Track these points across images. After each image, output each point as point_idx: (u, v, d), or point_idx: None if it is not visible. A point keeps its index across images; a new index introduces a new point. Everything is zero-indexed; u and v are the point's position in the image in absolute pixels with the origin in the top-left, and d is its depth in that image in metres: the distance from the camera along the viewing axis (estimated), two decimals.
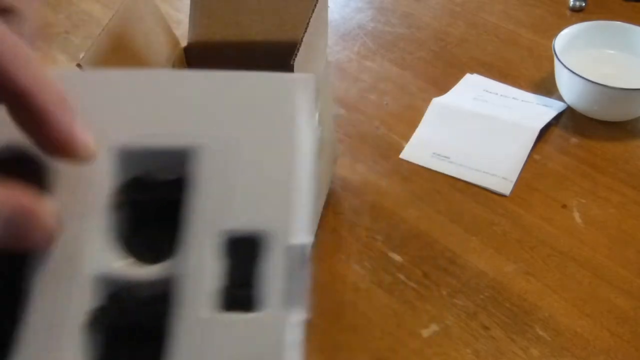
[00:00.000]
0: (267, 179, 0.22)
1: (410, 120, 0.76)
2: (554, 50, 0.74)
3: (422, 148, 0.72)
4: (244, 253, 0.21)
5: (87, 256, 0.21)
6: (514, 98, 0.77)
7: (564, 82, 0.74)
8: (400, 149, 0.72)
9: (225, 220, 0.21)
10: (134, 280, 0.21)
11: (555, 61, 0.74)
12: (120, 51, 0.53)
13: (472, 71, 0.82)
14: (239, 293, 0.21)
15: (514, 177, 0.68)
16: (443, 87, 0.80)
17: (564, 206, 0.65)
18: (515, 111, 0.75)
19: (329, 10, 0.56)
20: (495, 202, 0.66)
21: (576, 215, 0.64)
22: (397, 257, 0.61)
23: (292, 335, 0.21)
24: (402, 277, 0.59)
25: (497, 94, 0.78)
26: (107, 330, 0.21)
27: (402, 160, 0.71)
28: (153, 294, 0.21)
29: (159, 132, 0.22)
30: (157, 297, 0.21)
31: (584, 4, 0.92)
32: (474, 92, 0.79)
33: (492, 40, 0.88)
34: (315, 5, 0.52)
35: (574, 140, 0.72)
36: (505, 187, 0.67)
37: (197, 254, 0.21)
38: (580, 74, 0.70)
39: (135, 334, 0.21)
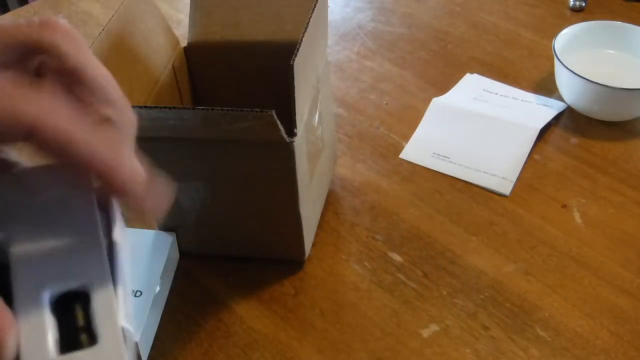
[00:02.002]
0: (77, 247, 0.26)
1: (410, 120, 0.76)
2: (554, 50, 0.74)
3: (422, 148, 0.72)
4: (71, 306, 0.25)
5: None
6: (514, 98, 0.77)
7: (564, 82, 0.74)
8: (400, 149, 0.72)
9: (47, 283, 0.25)
10: None
11: (555, 61, 0.74)
12: (120, 51, 0.53)
13: (472, 71, 0.82)
14: (73, 338, 0.24)
15: (514, 177, 0.68)
16: (443, 87, 0.80)
17: (564, 206, 0.65)
18: (515, 111, 0.75)
19: (329, 10, 0.56)
20: (495, 202, 0.66)
21: (576, 215, 0.64)
22: (397, 257, 0.61)
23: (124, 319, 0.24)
24: (402, 277, 0.59)
25: (497, 94, 0.78)
26: None
27: (402, 160, 0.71)
28: None
29: None
30: None
31: (584, 4, 0.92)
32: (474, 92, 0.79)
33: (492, 40, 0.88)
34: (315, 5, 0.52)
35: (574, 140, 0.72)
36: (505, 187, 0.67)
37: (28, 314, 0.24)
38: (580, 74, 0.70)
39: None
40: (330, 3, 0.96)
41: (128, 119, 0.27)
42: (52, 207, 0.27)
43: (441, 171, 0.69)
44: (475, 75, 0.82)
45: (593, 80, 0.70)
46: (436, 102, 0.77)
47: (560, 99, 0.76)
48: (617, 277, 0.58)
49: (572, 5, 0.92)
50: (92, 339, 0.24)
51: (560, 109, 0.75)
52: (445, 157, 0.70)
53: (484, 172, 0.68)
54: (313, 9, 0.51)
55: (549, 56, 0.77)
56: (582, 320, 0.55)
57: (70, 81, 0.25)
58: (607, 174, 0.68)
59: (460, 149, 0.71)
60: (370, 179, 0.69)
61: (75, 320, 0.25)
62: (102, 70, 0.27)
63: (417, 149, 0.72)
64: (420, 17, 0.94)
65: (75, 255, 0.26)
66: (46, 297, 0.25)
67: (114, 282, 0.26)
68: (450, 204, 0.66)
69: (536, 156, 0.70)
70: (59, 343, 0.24)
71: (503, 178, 0.68)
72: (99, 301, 0.25)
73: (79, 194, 0.28)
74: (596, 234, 0.62)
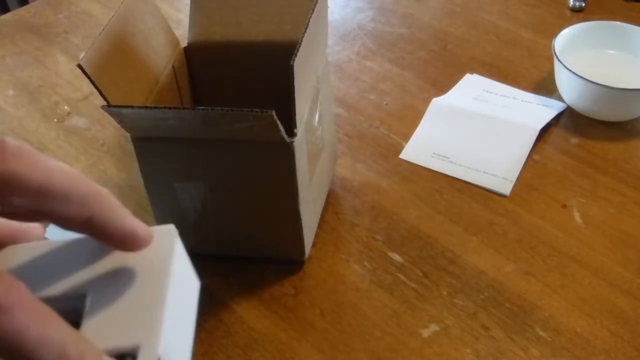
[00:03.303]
0: (137, 311, 0.27)
1: (410, 120, 0.76)
2: (554, 50, 0.74)
3: (422, 148, 0.72)
4: None
5: None
6: (514, 98, 0.77)
7: (564, 82, 0.74)
8: (400, 149, 0.72)
9: (107, 338, 0.26)
10: None
11: (555, 61, 0.74)
12: (120, 51, 0.53)
13: (472, 71, 0.82)
14: None
15: (514, 177, 0.68)
16: (443, 87, 0.80)
17: (564, 206, 0.65)
18: (515, 111, 0.75)
19: (329, 10, 0.56)
20: (495, 202, 0.66)
21: (576, 215, 0.64)
22: (397, 257, 0.61)
23: None
24: (402, 277, 0.59)
25: (497, 94, 0.78)
26: None
27: (402, 160, 0.71)
28: None
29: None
30: None
31: (584, 4, 0.92)
32: (474, 92, 0.79)
33: (492, 40, 0.88)
34: (315, 6, 0.52)
35: (574, 140, 0.72)
36: (505, 187, 0.67)
37: None
38: (580, 74, 0.70)
39: None
40: (330, 3, 0.96)
41: (106, 207, 0.27)
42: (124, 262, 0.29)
43: (441, 171, 0.69)
44: (475, 76, 0.82)
45: (593, 80, 0.70)
46: (436, 102, 0.77)
47: (560, 99, 0.76)
48: (617, 277, 0.58)
49: (572, 5, 0.92)
50: None
51: (560, 109, 0.75)
52: (445, 157, 0.70)
53: (484, 172, 0.68)
54: (313, 9, 0.51)
55: (549, 56, 0.77)
56: (582, 320, 0.55)
57: (38, 202, 0.25)
58: (607, 174, 0.68)
59: (460, 149, 0.71)
60: (370, 179, 0.69)
61: None
62: (66, 171, 0.26)
63: (417, 149, 0.72)
64: (420, 17, 0.94)
65: (136, 309, 0.27)
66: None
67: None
68: (450, 204, 0.66)
69: (536, 156, 0.70)
70: None
71: (503, 178, 0.68)
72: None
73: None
74: (596, 234, 0.62)
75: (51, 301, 0.27)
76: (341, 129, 0.75)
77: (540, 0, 0.95)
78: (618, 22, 0.79)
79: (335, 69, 0.84)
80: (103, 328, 0.27)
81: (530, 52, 0.85)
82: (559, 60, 0.73)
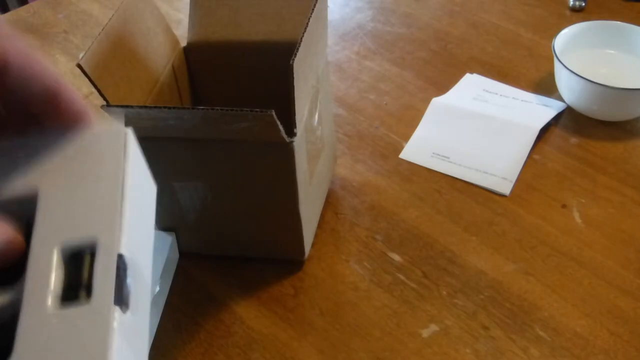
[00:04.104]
0: (92, 205, 0.27)
1: (410, 120, 0.76)
2: (554, 50, 0.74)
3: (421, 148, 0.72)
4: (76, 259, 0.26)
5: None
6: (513, 98, 0.77)
7: (564, 82, 0.74)
8: (400, 148, 0.72)
9: (59, 235, 0.26)
10: None
11: (555, 61, 0.74)
12: (120, 51, 0.53)
13: (471, 71, 0.82)
14: (74, 292, 0.25)
15: (513, 177, 0.68)
16: (443, 87, 0.80)
17: (564, 206, 0.65)
18: (515, 111, 0.75)
19: (329, 10, 0.56)
20: (495, 202, 0.66)
21: (576, 215, 0.64)
22: (397, 257, 0.61)
23: (121, 324, 0.25)
24: (402, 277, 0.59)
25: (496, 93, 0.78)
26: None
27: (401, 160, 0.71)
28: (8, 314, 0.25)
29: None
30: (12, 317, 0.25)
31: (584, 4, 0.92)
32: (474, 92, 0.79)
33: (492, 40, 0.88)
34: (314, 5, 0.52)
35: (573, 140, 0.72)
36: (505, 187, 0.67)
37: (37, 265, 0.25)
38: (580, 74, 0.70)
39: None
40: (330, 3, 0.96)
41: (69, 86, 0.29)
42: (76, 156, 0.29)
43: (441, 171, 0.69)
44: (475, 75, 0.82)
45: (593, 80, 0.70)
46: (436, 102, 0.77)
47: (560, 99, 0.76)
48: (617, 277, 0.58)
49: (572, 5, 0.92)
50: (83, 298, 0.25)
51: (560, 109, 0.75)
52: (445, 157, 0.70)
53: (484, 172, 0.68)
54: (312, 9, 0.51)
55: (549, 56, 0.77)
56: (582, 320, 0.55)
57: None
58: (607, 174, 0.68)
59: (460, 149, 0.71)
60: (370, 179, 0.69)
61: (80, 275, 0.25)
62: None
63: (417, 149, 0.72)
64: (420, 17, 0.94)
65: (91, 206, 0.27)
66: (56, 249, 0.26)
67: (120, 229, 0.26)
68: (450, 204, 0.66)
69: (536, 156, 0.70)
70: (62, 296, 0.25)
71: (503, 178, 0.68)
72: (100, 256, 0.26)
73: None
74: (596, 234, 0.62)
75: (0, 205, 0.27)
76: (341, 129, 0.75)
77: (540, 0, 0.95)
78: (618, 22, 0.79)
79: (335, 69, 0.84)
80: (57, 225, 0.26)
81: (530, 52, 0.85)
82: (559, 60, 0.73)
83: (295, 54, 0.47)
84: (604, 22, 0.80)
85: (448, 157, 0.70)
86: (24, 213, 0.27)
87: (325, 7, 0.57)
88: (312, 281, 0.60)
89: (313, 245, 0.62)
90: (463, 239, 0.62)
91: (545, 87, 0.79)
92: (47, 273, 0.25)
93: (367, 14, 0.95)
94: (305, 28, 0.50)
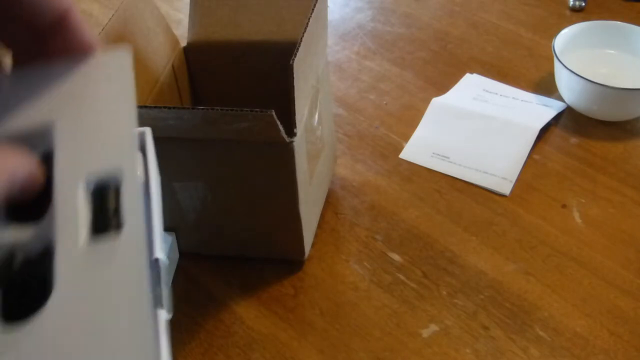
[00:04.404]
0: (108, 133, 0.27)
1: (410, 120, 0.76)
2: (554, 50, 0.74)
3: (421, 148, 0.72)
4: (102, 191, 0.26)
5: None
6: (513, 98, 0.77)
7: (564, 82, 0.74)
8: (400, 148, 0.72)
9: (83, 168, 0.26)
10: (19, 242, 0.25)
11: (555, 61, 0.74)
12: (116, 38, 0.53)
13: (471, 71, 0.82)
14: (103, 225, 0.25)
15: (513, 177, 0.68)
16: (443, 87, 0.80)
17: (564, 206, 0.65)
18: (515, 111, 0.75)
19: (329, 10, 0.56)
20: (495, 202, 0.66)
21: (576, 215, 0.64)
22: (396, 257, 0.61)
23: (160, 251, 0.25)
24: (402, 277, 0.59)
25: (496, 93, 0.78)
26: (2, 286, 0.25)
27: (401, 160, 0.71)
28: (39, 249, 0.25)
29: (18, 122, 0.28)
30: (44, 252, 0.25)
31: (584, 4, 0.92)
32: (474, 92, 0.79)
33: (492, 40, 0.88)
34: (314, 5, 0.52)
35: (573, 140, 0.72)
36: (505, 187, 0.67)
37: (64, 200, 0.25)
38: (580, 74, 0.70)
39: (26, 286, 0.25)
40: (330, 3, 0.96)
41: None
42: (87, 89, 0.28)
43: (441, 171, 0.69)
44: (475, 75, 0.82)
45: (593, 80, 0.70)
46: (436, 102, 0.77)
47: (560, 99, 0.76)
48: (617, 277, 0.58)
49: (572, 5, 0.92)
50: (115, 229, 0.25)
51: (560, 109, 0.75)
52: (445, 157, 0.70)
53: (484, 172, 0.68)
54: (312, 9, 0.51)
55: (549, 56, 0.77)
56: (582, 320, 0.55)
57: None
58: (607, 174, 0.68)
59: (460, 149, 0.71)
60: (370, 179, 0.69)
61: (107, 206, 0.26)
62: None
63: (417, 149, 0.72)
64: (420, 17, 0.94)
65: (110, 138, 0.27)
66: (82, 181, 0.26)
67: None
68: (450, 204, 0.66)
69: (536, 156, 0.70)
70: (93, 230, 0.25)
71: (503, 178, 0.68)
72: (126, 187, 0.26)
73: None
74: (596, 234, 0.62)
75: (15, 139, 0.26)
76: (341, 129, 0.75)
77: (540, 0, 0.95)
78: (618, 22, 0.79)
79: (335, 69, 0.84)
80: (78, 158, 0.26)
81: (530, 52, 0.85)
82: (559, 60, 0.73)
83: (295, 54, 0.47)
84: (604, 22, 0.80)
85: (448, 157, 0.70)
86: (40, 146, 0.27)
87: (325, 7, 0.57)
88: (312, 281, 0.60)
89: (313, 245, 0.62)
90: (463, 239, 0.62)
91: (545, 87, 0.79)
92: (74, 208, 0.25)
93: (367, 14, 0.95)
94: (305, 28, 0.50)
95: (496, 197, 0.66)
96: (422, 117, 0.76)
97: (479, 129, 0.73)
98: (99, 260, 0.24)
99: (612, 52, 0.79)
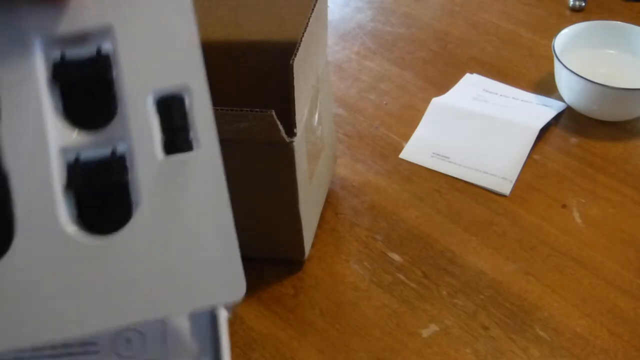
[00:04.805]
0: (172, 43, 0.27)
1: (410, 120, 0.76)
2: (554, 50, 0.74)
3: (421, 148, 0.72)
4: (173, 106, 0.26)
5: (49, 134, 0.25)
6: (513, 98, 0.77)
7: (564, 82, 0.74)
8: (400, 148, 0.72)
9: (151, 82, 0.26)
10: (88, 146, 0.26)
11: (555, 61, 0.74)
12: None
13: (471, 71, 0.82)
14: (177, 138, 0.26)
15: (513, 177, 0.68)
16: (443, 87, 0.80)
17: (564, 206, 0.65)
18: (515, 111, 0.75)
19: (329, 10, 0.56)
20: (495, 202, 0.66)
21: (576, 215, 0.64)
22: (396, 257, 0.61)
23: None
24: (401, 277, 0.59)
25: (496, 93, 0.78)
26: (80, 196, 0.25)
27: (401, 160, 0.71)
28: (106, 155, 0.26)
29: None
30: (112, 157, 0.25)
31: (584, 4, 0.92)
32: (474, 92, 0.79)
33: (492, 40, 0.88)
34: (314, 5, 0.52)
35: (573, 140, 0.72)
36: (505, 187, 0.67)
37: (136, 113, 0.25)
38: (580, 74, 0.70)
39: (105, 195, 0.26)
40: (330, 3, 0.96)
41: None
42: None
43: (441, 171, 0.69)
44: (475, 75, 0.82)
45: (593, 80, 0.70)
46: (436, 102, 0.77)
47: (560, 99, 0.76)
48: (617, 277, 0.58)
49: (572, 5, 0.92)
50: (189, 142, 0.25)
51: (560, 109, 0.75)
52: (445, 157, 0.70)
53: (484, 172, 0.68)
54: (312, 9, 0.51)
55: (549, 56, 0.77)
56: (582, 320, 0.55)
57: None
58: (607, 174, 0.68)
59: (460, 149, 0.71)
60: (370, 179, 0.69)
61: (175, 122, 0.26)
62: None
63: (417, 149, 0.72)
64: (420, 17, 0.94)
65: (173, 54, 0.27)
66: (150, 96, 0.26)
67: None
68: (450, 204, 0.66)
69: (536, 156, 0.70)
70: (166, 142, 0.25)
71: (503, 178, 0.68)
72: (197, 103, 0.26)
73: None
74: (596, 234, 0.62)
75: (71, 42, 0.26)
76: (341, 129, 0.75)
77: (540, 0, 0.95)
78: (618, 22, 0.79)
79: (335, 69, 0.84)
80: (144, 70, 0.26)
81: (530, 52, 0.85)
82: (559, 60, 0.73)
83: (295, 54, 0.47)
84: (604, 22, 0.80)
85: (448, 157, 0.70)
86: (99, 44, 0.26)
87: (325, 7, 0.57)
88: (312, 281, 0.60)
89: (313, 245, 0.62)
90: (463, 239, 0.62)
91: (545, 87, 0.79)
92: (146, 121, 0.25)
93: (367, 14, 0.95)
94: (305, 28, 0.50)
95: (496, 197, 0.66)
96: (422, 117, 0.76)
97: (479, 129, 0.73)
98: (179, 174, 0.25)
99: (612, 52, 0.79)
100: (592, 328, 0.54)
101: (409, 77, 0.83)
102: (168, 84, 0.26)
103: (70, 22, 0.26)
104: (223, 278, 0.25)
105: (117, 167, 0.25)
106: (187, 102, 0.26)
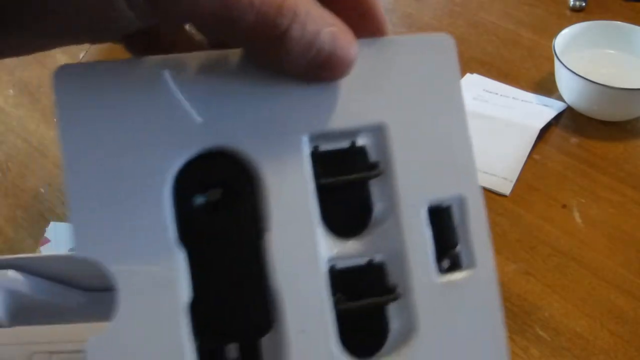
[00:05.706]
0: (448, 146, 0.24)
1: None
2: (554, 50, 0.74)
3: None
4: (444, 219, 0.23)
5: (318, 244, 0.22)
6: (514, 98, 0.77)
7: (564, 82, 0.74)
8: None
9: (427, 191, 0.23)
10: (350, 257, 0.23)
11: (555, 61, 0.74)
12: (120, 50, 0.53)
13: (472, 71, 0.82)
14: (451, 255, 0.23)
15: (514, 177, 0.68)
16: None
17: (564, 206, 0.65)
18: (515, 111, 0.75)
19: None
20: (495, 202, 0.66)
21: (576, 215, 0.64)
22: None
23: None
24: None
25: (497, 93, 0.78)
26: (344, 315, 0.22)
27: None
28: (373, 270, 0.23)
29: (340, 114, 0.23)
30: (378, 271, 0.23)
31: (584, 4, 0.92)
32: (474, 91, 0.79)
33: (492, 40, 0.88)
34: None
35: (574, 140, 0.72)
36: (505, 187, 0.67)
37: (409, 225, 0.23)
38: (580, 74, 0.70)
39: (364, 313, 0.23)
40: None
41: None
42: (414, 85, 0.24)
43: None
44: (475, 75, 0.82)
45: (593, 80, 0.70)
46: None
47: (560, 99, 0.76)
48: (617, 277, 0.58)
49: (572, 5, 0.92)
50: (463, 261, 0.23)
51: (560, 109, 0.75)
52: None
53: (484, 172, 0.68)
54: None
55: (549, 56, 0.77)
56: (582, 320, 0.55)
57: None
58: (607, 174, 0.68)
59: None
60: None
61: (448, 237, 0.23)
62: None
63: None
64: (420, 17, 0.94)
65: (449, 160, 0.24)
66: (425, 208, 0.23)
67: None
68: None
69: (536, 156, 0.70)
70: (439, 260, 0.23)
71: (503, 178, 0.68)
72: (473, 217, 0.23)
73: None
74: (596, 234, 0.62)
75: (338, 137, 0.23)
76: None
77: (540, 0, 0.95)
78: (618, 22, 0.79)
79: None
80: (418, 175, 0.23)
81: (530, 52, 0.85)
82: (559, 60, 0.73)
83: None
84: (604, 22, 0.80)
85: None
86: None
87: None
88: None
89: None
90: None
91: (545, 87, 0.79)
92: (421, 236, 0.23)
93: None
94: None
95: (496, 197, 0.66)
96: None
97: (479, 129, 0.73)
98: (454, 297, 0.22)
99: (612, 52, 0.79)
100: (593, 328, 0.54)
101: None
102: (443, 194, 0.23)
103: (338, 117, 0.23)
104: None
105: (379, 282, 0.23)
106: (457, 214, 0.23)
